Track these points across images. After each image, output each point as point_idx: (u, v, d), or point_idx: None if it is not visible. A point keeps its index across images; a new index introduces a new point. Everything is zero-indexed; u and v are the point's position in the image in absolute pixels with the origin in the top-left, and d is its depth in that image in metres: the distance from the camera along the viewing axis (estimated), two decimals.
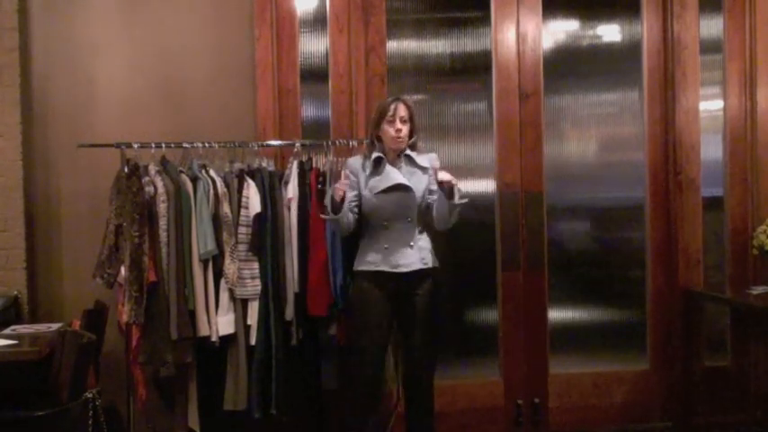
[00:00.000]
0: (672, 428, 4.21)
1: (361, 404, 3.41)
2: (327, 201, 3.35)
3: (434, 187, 3.36)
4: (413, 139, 3.41)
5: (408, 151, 3.40)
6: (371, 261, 3.37)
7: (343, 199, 3.30)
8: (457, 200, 3.27)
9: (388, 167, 3.36)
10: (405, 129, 3.35)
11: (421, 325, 3.39)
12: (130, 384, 3.51)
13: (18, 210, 3.85)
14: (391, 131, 3.34)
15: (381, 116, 3.37)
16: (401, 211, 3.34)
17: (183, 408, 3.57)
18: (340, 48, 3.99)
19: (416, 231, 3.39)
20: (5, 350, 3.13)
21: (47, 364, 3.09)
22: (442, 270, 4.26)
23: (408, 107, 3.38)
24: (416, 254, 3.37)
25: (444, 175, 3.23)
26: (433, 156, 3.49)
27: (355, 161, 3.45)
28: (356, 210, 3.39)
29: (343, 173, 3.46)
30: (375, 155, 3.38)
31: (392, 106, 3.35)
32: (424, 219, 3.42)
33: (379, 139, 3.39)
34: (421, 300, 3.38)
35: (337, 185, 3.33)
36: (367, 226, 3.41)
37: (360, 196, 3.39)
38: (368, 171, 3.39)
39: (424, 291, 3.39)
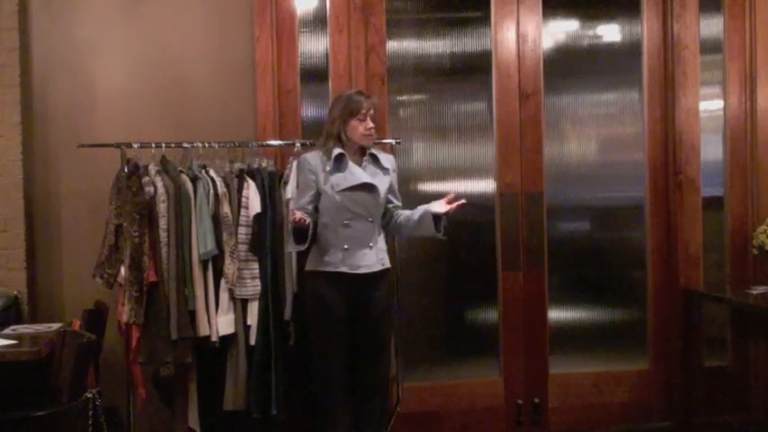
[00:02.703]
0: (672, 428, 4.21)
1: (330, 407, 3.36)
2: (288, 231, 3.26)
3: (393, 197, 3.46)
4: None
5: (374, 150, 3.38)
6: (330, 261, 3.29)
7: (307, 227, 3.17)
8: (442, 234, 3.32)
9: (352, 165, 3.31)
10: (374, 126, 3.35)
11: (378, 326, 3.36)
12: (130, 384, 3.50)
13: (18, 210, 3.84)
14: (362, 129, 3.30)
15: (352, 113, 3.29)
16: (364, 210, 3.28)
17: (183, 408, 3.57)
18: (340, 48, 3.99)
19: (376, 232, 3.35)
20: (5, 350, 3.12)
21: (47, 364, 3.08)
22: (444, 270, 4.28)
23: (374, 105, 3.37)
24: (375, 255, 3.33)
25: (447, 207, 3.27)
26: (392, 158, 3.51)
27: (313, 158, 3.33)
28: (311, 210, 3.29)
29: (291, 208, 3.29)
30: (337, 151, 3.29)
31: (366, 104, 3.31)
32: (383, 220, 3.42)
33: (346, 136, 3.32)
34: (379, 301, 3.35)
35: (296, 215, 3.12)
36: (324, 225, 3.31)
37: (316, 195, 3.30)
38: (329, 168, 3.28)
39: (382, 292, 3.37)
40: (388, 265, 3.41)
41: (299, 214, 3.13)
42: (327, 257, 3.31)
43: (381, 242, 3.40)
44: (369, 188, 3.29)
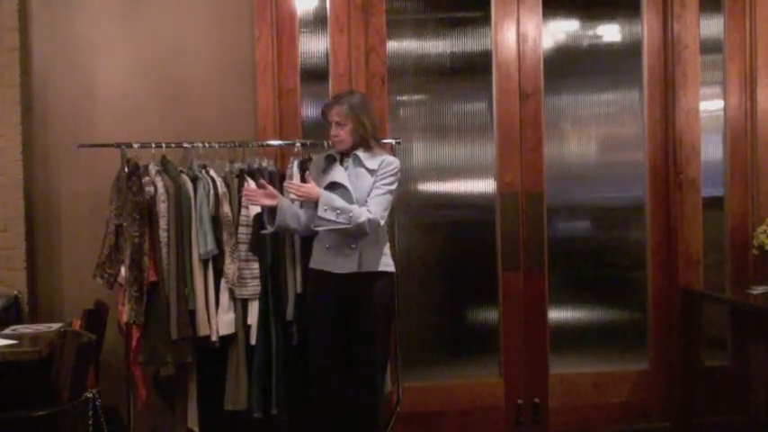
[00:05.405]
0: (672, 428, 4.21)
1: (324, 405, 3.37)
2: (265, 215, 3.35)
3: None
4: (359, 137, 3.34)
5: (358, 151, 3.35)
6: (318, 260, 3.38)
7: (274, 208, 3.29)
8: (314, 223, 3.26)
9: (335, 166, 3.36)
10: (341, 132, 3.32)
11: (364, 328, 3.33)
12: (130, 384, 3.50)
13: (18, 210, 3.84)
14: (330, 134, 3.37)
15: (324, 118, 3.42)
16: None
17: (183, 408, 3.57)
18: (340, 48, 3.99)
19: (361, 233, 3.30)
20: (5, 350, 3.12)
21: (47, 364, 3.08)
22: (444, 270, 4.25)
23: (342, 111, 3.32)
24: (358, 256, 3.29)
25: (294, 189, 3.23)
26: (388, 159, 3.37)
27: (316, 159, 3.48)
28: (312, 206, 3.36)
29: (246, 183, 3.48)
30: (327, 153, 3.41)
31: (326, 111, 3.37)
32: None
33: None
34: (364, 302, 3.32)
35: (251, 195, 3.32)
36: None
37: None
38: (320, 169, 3.41)
39: (368, 293, 3.32)
40: (378, 268, 3.35)
41: (261, 182, 3.30)
42: (315, 255, 3.40)
43: (371, 243, 3.33)
44: (341, 188, 3.29)
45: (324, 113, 3.40)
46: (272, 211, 3.32)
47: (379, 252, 3.37)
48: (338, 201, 3.23)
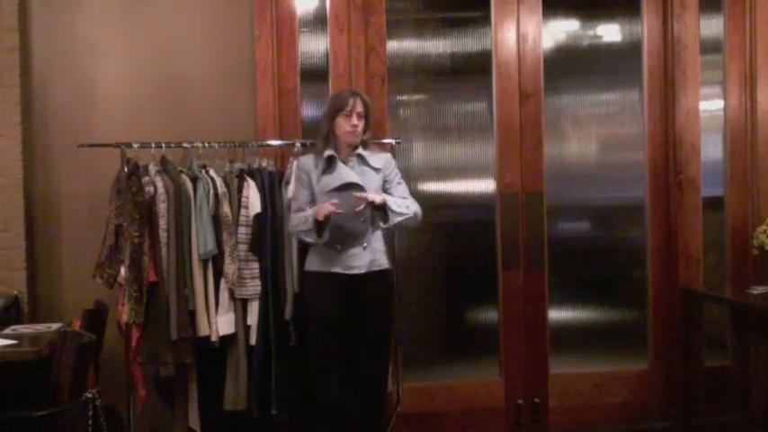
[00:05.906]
0: (672, 428, 4.21)
1: (327, 407, 3.37)
2: (310, 223, 3.25)
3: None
4: (366, 136, 3.38)
5: (360, 150, 3.37)
6: (324, 261, 3.35)
7: (326, 219, 3.22)
8: (388, 223, 3.30)
9: (340, 165, 3.34)
10: (360, 124, 3.34)
11: (373, 327, 3.36)
12: (130, 384, 3.50)
13: (18, 210, 3.84)
14: (346, 126, 3.33)
15: (337, 110, 3.35)
16: (353, 210, 3.26)
17: (183, 408, 3.57)
18: (340, 48, 3.99)
19: (369, 232, 3.35)
20: (5, 350, 3.13)
21: (47, 364, 3.09)
22: (444, 270, 4.24)
23: (365, 103, 3.36)
24: (369, 255, 3.33)
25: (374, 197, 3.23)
26: (388, 156, 3.49)
27: (307, 160, 3.43)
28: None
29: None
30: (327, 153, 3.35)
31: (350, 100, 3.34)
32: (377, 219, 3.37)
33: (333, 134, 3.37)
34: (374, 301, 3.35)
35: (323, 206, 3.21)
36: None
37: (312, 196, 3.37)
38: (320, 169, 3.36)
39: (377, 292, 3.36)
40: (384, 266, 3.40)
41: (330, 207, 3.18)
42: (322, 257, 3.36)
43: (377, 243, 3.38)
44: (355, 188, 3.29)
45: (346, 103, 3.33)
46: (320, 223, 3.25)
47: (382, 251, 3.42)
48: (394, 197, 3.37)
